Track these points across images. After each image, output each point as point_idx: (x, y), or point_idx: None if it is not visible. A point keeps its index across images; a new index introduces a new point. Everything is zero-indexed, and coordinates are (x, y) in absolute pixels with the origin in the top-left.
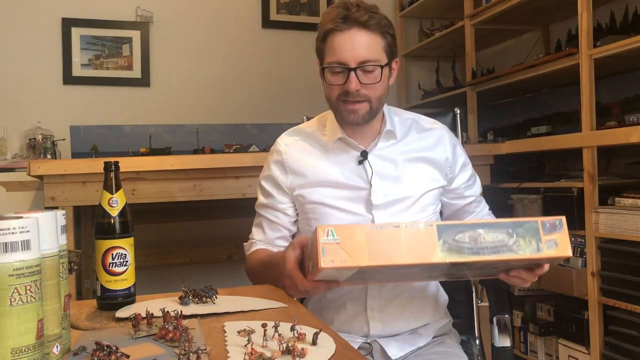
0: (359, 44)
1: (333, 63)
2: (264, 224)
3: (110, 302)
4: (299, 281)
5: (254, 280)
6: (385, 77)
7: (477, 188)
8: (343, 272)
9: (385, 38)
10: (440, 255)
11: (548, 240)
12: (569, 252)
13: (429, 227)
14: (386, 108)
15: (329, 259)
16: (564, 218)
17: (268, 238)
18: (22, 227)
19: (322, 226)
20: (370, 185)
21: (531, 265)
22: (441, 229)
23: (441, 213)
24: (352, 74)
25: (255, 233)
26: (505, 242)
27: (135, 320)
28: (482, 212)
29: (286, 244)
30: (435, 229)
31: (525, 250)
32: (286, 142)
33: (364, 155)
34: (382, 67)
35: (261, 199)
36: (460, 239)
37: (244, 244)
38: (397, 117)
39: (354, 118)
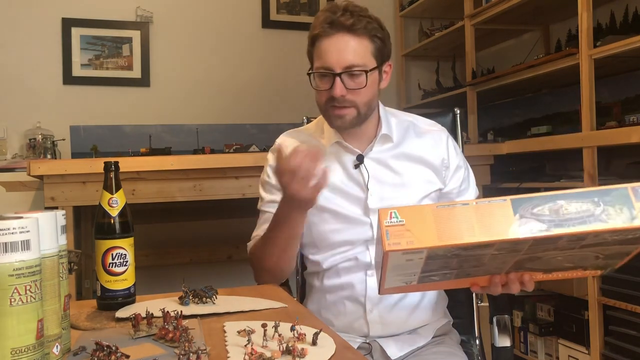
0: (344, 49)
1: (319, 68)
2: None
3: (110, 302)
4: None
5: (261, 259)
6: (372, 82)
7: (470, 195)
8: (412, 261)
9: (374, 42)
10: (518, 231)
11: None
12: None
13: (502, 202)
14: (382, 110)
15: (394, 241)
16: None
17: None
18: (22, 227)
19: (384, 209)
20: (367, 189)
21: (626, 240)
22: (517, 203)
23: None
24: (337, 79)
25: (261, 231)
26: (592, 211)
27: (135, 320)
28: None
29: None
30: (509, 203)
31: (616, 220)
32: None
33: (360, 159)
34: (367, 72)
35: (268, 196)
36: (539, 212)
37: (247, 243)
38: (394, 119)
39: (341, 123)
